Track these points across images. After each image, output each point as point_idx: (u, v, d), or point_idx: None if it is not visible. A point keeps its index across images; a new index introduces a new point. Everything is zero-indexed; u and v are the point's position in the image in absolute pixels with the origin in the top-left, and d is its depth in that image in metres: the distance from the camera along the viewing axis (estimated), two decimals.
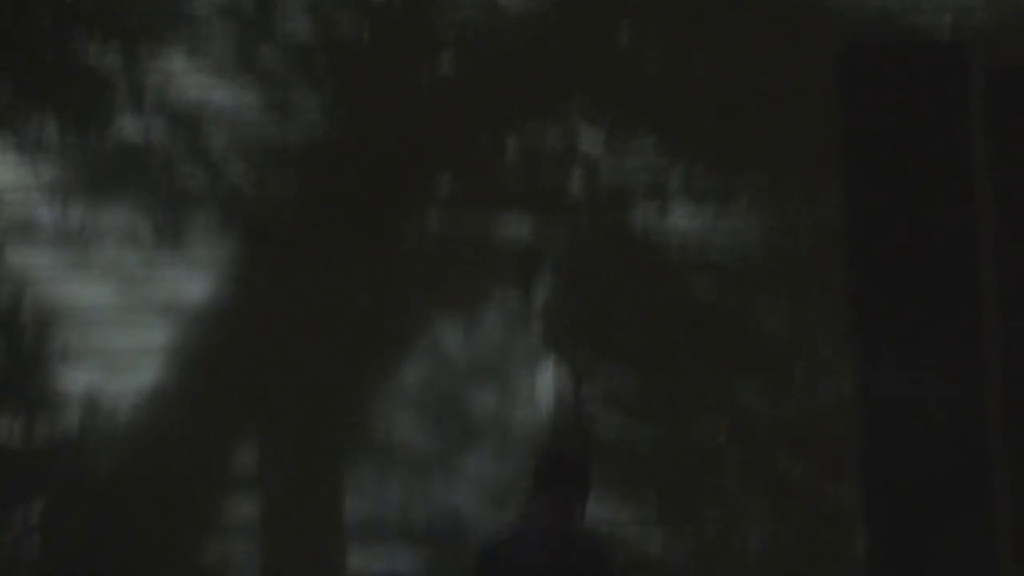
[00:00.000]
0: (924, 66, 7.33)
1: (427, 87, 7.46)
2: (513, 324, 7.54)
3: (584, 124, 7.39)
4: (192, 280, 7.32)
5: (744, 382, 7.37)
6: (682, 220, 7.37)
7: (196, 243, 7.23)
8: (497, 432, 7.53)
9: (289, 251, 7.25)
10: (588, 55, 7.34)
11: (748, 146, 7.42)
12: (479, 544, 6.24)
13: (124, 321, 7.21)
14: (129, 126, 7.21)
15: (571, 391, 7.47)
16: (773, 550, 7.30)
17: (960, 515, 7.31)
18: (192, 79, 7.27)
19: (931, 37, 7.37)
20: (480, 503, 7.43)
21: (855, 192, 7.36)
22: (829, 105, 7.36)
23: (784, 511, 7.33)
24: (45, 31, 7.21)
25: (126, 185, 7.20)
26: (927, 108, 7.32)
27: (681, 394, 7.46)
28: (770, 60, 7.39)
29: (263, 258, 7.37)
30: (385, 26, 7.36)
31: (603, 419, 7.41)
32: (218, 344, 7.38)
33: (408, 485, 7.51)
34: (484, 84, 7.48)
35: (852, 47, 7.35)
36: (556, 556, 6.12)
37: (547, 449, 6.54)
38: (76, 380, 7.09)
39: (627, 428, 7.42)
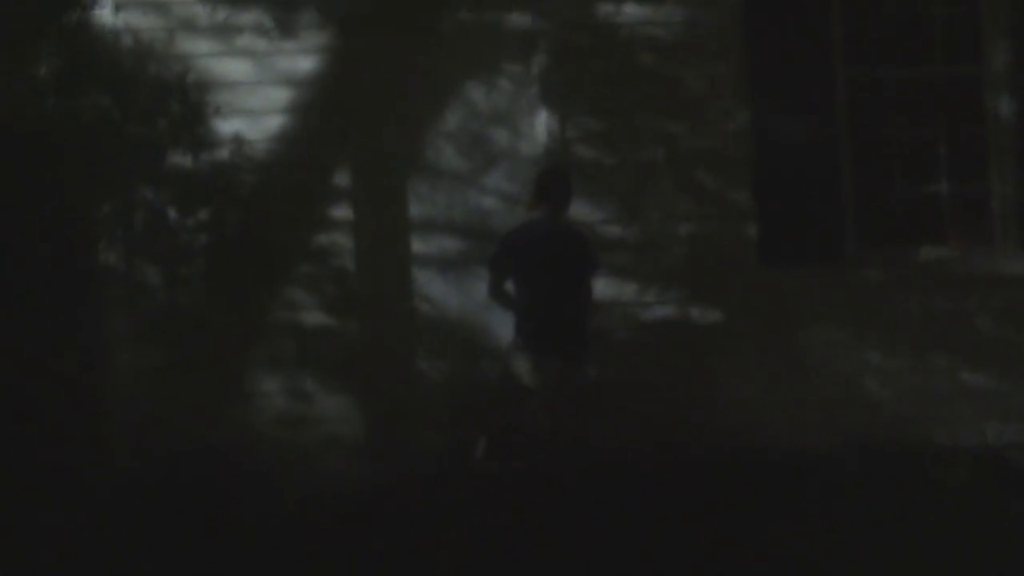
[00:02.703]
0: None
1: None
2: (519, 85, 8.61)
3: None
4: (303, 58, 8.46)
5: (674, 122, 8.54)
6: (632, 10, 8.52)
7: (305, 32, 8.36)
8: (509, 158, 8.61)
9: (367, 37, 8.38)
10: None
11: None
12: (501, 232, 7.84)
13: (258, 88, 8.45)
14: None
15: (559, 131, 8.56)
16: (695, 236, 8.60)
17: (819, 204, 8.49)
18: None
19: None
20: (499, 206, 8.56)
21: None
22: None
23: (701, 210, 8.61)
24: None
25: None
26: None
27: (629, 132, 8.54)
28: None
29: (351, 42, 8.43)
30: None
31: (581, 150, 8.56)
32: (321, 101, 8.47)
33: (451, 194, 8.66)
34: None
35: None
36: (553, 238, 7.59)
37: (544, 170, 7.96)
38: (227, 128, 8.21)
39: (596, 156, 8.57)
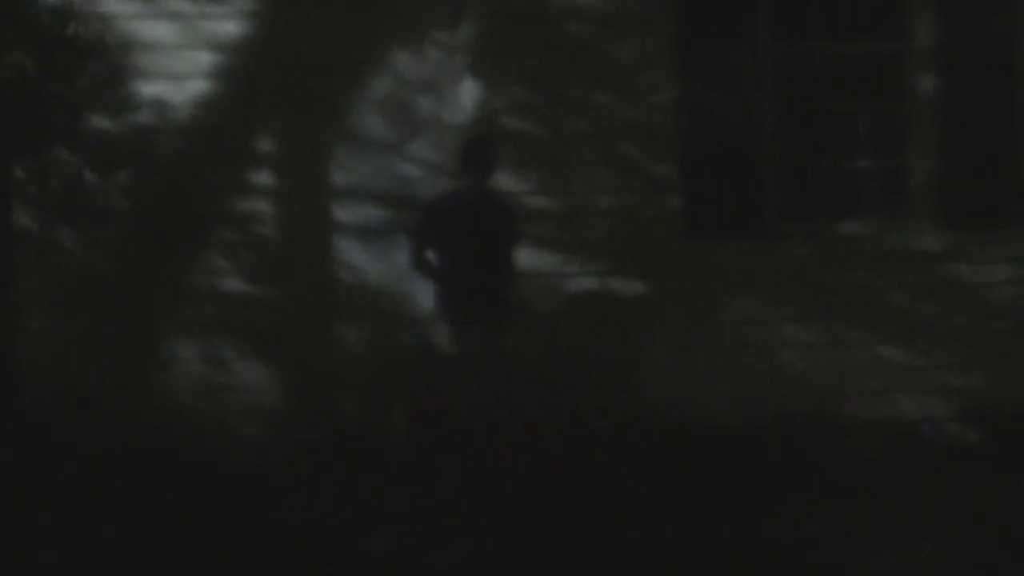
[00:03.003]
0: None
1: None
2: (446, 52, 8.57)
3: None
4: (229, 22, 8.43)
5: (602, 94, 8.55)
6: None
7: None
8: (435, 127, 8.60)
9: (294, 2, 8.38)
10: None
11: None
12: (425, 201, 7.89)
13: (181, 51, 8.43)
14: None
15: (485, 100, 8.54)
16: (619, 208, 8.59)
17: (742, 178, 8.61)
18: None
19: None
20: (423, 175, 8.57)
21: None
22: None
23: (627, 182, 8.62)
24: None
25: None
26: None
27: (556, 103, 8.55)
28: None
29: (277, 7, 8.42)
30: None
31: (507, 120, 8.54)
32: (246, 66, 8.44)
33: (375, 162, 8.63)
34: None
35: None
36: (477, 208, 7.60)
37: (469, 138, 7.96)
38: (149, 91, 8.22)
39: (522, 126, 8.54)
